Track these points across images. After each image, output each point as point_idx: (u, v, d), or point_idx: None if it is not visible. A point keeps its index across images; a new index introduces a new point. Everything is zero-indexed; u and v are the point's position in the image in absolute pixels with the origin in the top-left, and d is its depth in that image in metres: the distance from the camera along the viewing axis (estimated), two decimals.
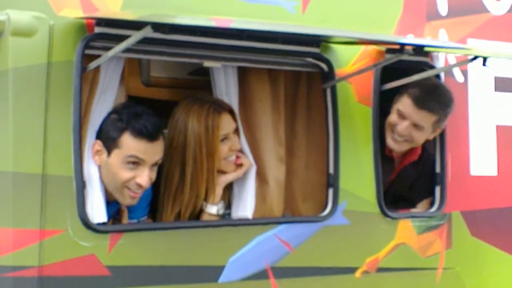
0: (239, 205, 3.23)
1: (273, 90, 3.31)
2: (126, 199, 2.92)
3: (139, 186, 2.88)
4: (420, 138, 3.49)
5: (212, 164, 3.12)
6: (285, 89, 3.35)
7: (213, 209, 3.17)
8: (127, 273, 2.85)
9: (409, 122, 3.44)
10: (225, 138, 3.14)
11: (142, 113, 2.91)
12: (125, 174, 2.86)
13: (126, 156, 2.85)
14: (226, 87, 3.23)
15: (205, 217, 3.18)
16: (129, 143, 2.85)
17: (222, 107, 3.15)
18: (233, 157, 3.18)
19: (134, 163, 2.86)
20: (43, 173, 2.70)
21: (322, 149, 3.37)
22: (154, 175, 2.94)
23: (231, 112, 3.18)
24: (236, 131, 3.20)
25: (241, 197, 3.23)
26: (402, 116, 3.46)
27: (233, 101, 3.24)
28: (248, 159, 3.23)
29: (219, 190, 3.18)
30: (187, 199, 3.13)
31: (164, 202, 3.15)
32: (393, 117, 3.48)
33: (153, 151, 2.89)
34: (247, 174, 3.24)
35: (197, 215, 3.21)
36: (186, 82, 3.63)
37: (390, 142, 3.51)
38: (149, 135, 2.86)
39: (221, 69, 3.18)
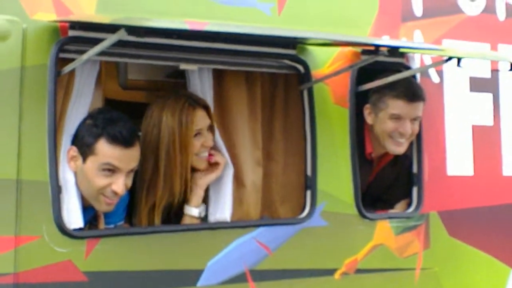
0: (217, 207, 3.21)
1: (250, 92, 3.31)
2: (102, 206, 2.90)
3: (115, 193, 2.86)
4: (417, 129, 3.54)
5: (186, 159, 3.09)
6: (262, 92, 3.35)
7: (195, 211, 3.15)
8: (104, 278, 2.82)
9: (408, 120, 3.48)
10: (198, 134, 3.13)
11: (118, 119, 2.88)
12: (101, 181, 2.84)
13: (102, 164, 2.83)
14: (202, 90, 3.22)
15: (186, 219, 3.16)
16: (105, 150, 2.82)
17: (197, 103, 3.14)
18: (205, 154, 3.16)
19: (109, 170, 2.84)
20: (18, 178, 2.67)
21: (299, 151, 3.37)
22: (130, 182, 2.91)
23: (206, 108, 3.16)
24: (211, 128, 3.18)
25: (219, 199, 3.22)
26: (399, 118, 3.49)
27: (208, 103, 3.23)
28: (224, 157, 3.21)
29: (201, 192, 3.17)
30: (161, 193, 3.10)
31: (138, 196, 3.12)
32: (389, 125, 3.50)
33: (129, 157, 2.86)
34: (223, 176, 3.23)
35: (175, 214, 3.19)
36: (164, 84, 3.61)
37: (393, 148, 3.54)
38: (125, 141, 2.83)
39: (196, 71, 3.17)
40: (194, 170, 3.18)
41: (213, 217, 3.20)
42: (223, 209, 3.19)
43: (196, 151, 3.13)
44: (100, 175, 2.83)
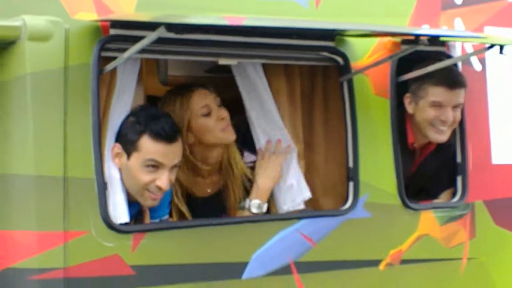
0: (293, 192, 3.23)
1: (289, 85, 3.32)
2: (147, 201, 2.94)
3: (159, 188, 2.90)
4: (459, 117, 3.51)
5: (202, 138, 3.11)
6: (301, 84, 3.36)
7: (254, 203, 3.19)
8: (151, 272, 2.87)
9: (449, 107, 3.46)
10: (209, 112, 3.15)
11: (160, 115, 2.93)
12: (145, 177, 2.88)
13: (146, 160, 2.87)
14: (254, 84, 3.23)
15: (245, 213, 3.20)
16: (148, 146, 2.87)
17: (192, 85, 3.17)
18: (227, 126, 3.17)
19: (153, 166, 2.88)
20: (65, 175, 2.73)
21: (340, 143, 3.36)
22: (174, 177, 2.96)
23: (204, 87, 3.18)
24: (222, 105, 3.19)
25: (293, 184, 3.24)
26: (439, 106, 3.46)
27: (265, 96, 3.23)
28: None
29: (262, 184, 3.20)
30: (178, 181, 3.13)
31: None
32: (429, 112, 3.47)
33: (172, 153, 2.90)
34: (291, 159, 3.25)
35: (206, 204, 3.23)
36: (204, 79, 3.65)
37: (435, 136, 3.51)
38: (168, 137, 2.88)
39: (244, 67, 3.19)
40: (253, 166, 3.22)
41: (290, 205, 3.22)
42: (301, 191, 3.22)
43: (215, 127, 3.14)
44: (144, 171, 2.88)
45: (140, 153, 2.87)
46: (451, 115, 3.47)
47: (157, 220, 3.09)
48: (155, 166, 2.88)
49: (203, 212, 3.23)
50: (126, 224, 2.87)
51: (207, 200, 3.27)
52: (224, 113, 3.19)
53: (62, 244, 2.72)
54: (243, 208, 3.23)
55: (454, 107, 3.48)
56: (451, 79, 3.46)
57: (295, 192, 3.27)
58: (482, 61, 3.68)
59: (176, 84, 3.32)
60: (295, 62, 3.25)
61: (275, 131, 3.27)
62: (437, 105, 3.47)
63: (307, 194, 3.27)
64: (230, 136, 3.20)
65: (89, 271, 2.76)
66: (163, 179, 2.89)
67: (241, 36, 3.02)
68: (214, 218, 3.20)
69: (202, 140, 3.17)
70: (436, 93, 3.46)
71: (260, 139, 3.30)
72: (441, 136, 3.51)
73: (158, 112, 2.96)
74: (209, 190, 3.30)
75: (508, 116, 3.73)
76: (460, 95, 3.48)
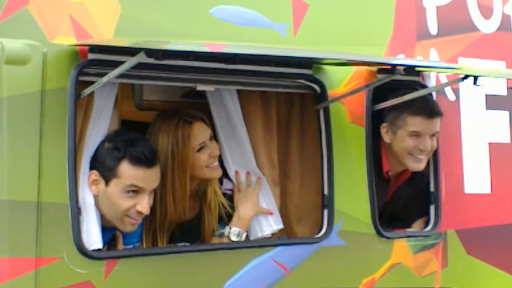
0: (267, 221, 3.24)
1: (265, 112, 3.33)
2: (127, 227, 2.92)
3: (140, 213, 2.88)
4: (436, 145, 3.56)
5: (184, 176, 3.09)
6: (278, 111, 3.37)
7: (234, 231, 3.19)
8: None
9: (428, 136, 3.50)
10: (203, 147, 3.13)
11: (137, 140, 2.91)
12: (126, 203, 2.86)
13: (126, 186, 2.85)
14: (227, 111, 3.23)
15: (224, 241, 3.19)
16: (128, 172, 2.84)
17: (193, 117, 3.14)
18: (216, 163, 3.17)
19: (134, 191, 2.86)
20: (38, 200, 2.69)
21: (316, 171, 3.38)
22: (151, 201, 2.94)
23: (203, 120, 3.17)
24: (213, 138, 3.19)
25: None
26: (418, 135, 3.50)
27: (238, 123, 3.24)
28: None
29: (243, 212, 3.21)
30: (159, 214, 3.09)
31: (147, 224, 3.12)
32: (408, 142, 3.52)
33: (152, 177, 2.89)
34: (262, 190, 3.27)
35: (184, 234, 3.20)
36: (179, 104, 3.63)
37: (413, 164, 3.54)
38: (148, 162, 2.86)
39: (219, 93, 3.19)
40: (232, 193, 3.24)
41: (267, 232, 3.23)
42: (276, 220, 3.23)
43: (206, 163, 3.14)
44: (124, 197, 2.86)
45: (120, 179, 2.85)
46: (429, 144, 3.51)
47: (131, 247, 3.05)
48: (135, 191, 2.86)
49: (181, 238, 3.20)
50: (99, 250, 2.83)
51: (185, 226, 3.25)
52: (216, 150, 3.17)
53: (34, 270, 2.68)
54: (221, 235, 3.22)
55: (432, 135, 3.52)
56: (429, 109, 3.50)
57: (271, 218, 3.27)
58: (456, 92, 3.73)
59: (167, 109, 3.27)
60: (272, 89, 3.27)
61: (246, 162, 3.27)
62: (416, 134, 3.51)
63: (281, 224, 3.28)
64: (217, 173, 3.20)
65: None
66: (144, 204, 2.87)
67: (220, 63, 3.02)
68: (188, 245, 3.17)
69: (186, 170, 3.14)
70: (415, 123, 3.50)
71: (231, 169, 3.30)
72: (419, 164, 3.55)
73: (135, 137, 2.93)
74: (188, 216, 3.28)
75: (481, 146, 3.78)
76: (437, 124, 3.53)
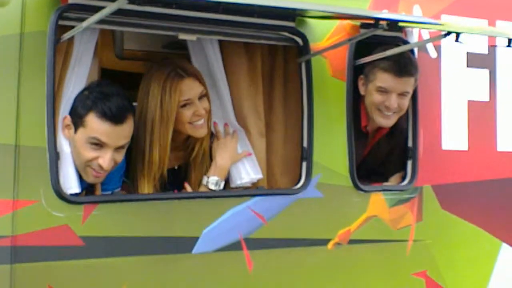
0: (246, 170, 3.25)
1: (250, 64, 3.32)
2: (90, 178, 2.92)
3: (101, 167, 2.87)
4: (406, 104, 3.55)
5: (166, 129, 3.09)
6: (262, 63, 3.37)
7: (212, 180, 3.20)
8: (101, 243, 2.87)
9: (395, 94, 3.49)
10: (188, 104, 3.13)
11: (112, 94, 2.86)
12: (88, 153, 2.85)
13: (89, 137, 2.84)
14: (208, 61, 3.22)
15: (202, 189, 3.20)
16: (93, 124, 2.83)
17: (185, 71, 3.13)
18: (200, 121, 3.17)
19: (97, 144, 2.85)
20: (16, 144, 2.70)
21: (298, 123, 3.39)
22: (120, 157, 2.92)
23: (195, 76, 3.16)
24: (205, 96, 3.19)
25: (244, 163, 3.27)
26: (385, 91, 3.50)
27: (218, 75, 3.23)
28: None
29: (220, 162, 3.22)
30: (147, 163, 3.11)
31: (134, 166, 3.14)
32: (376, 97, 3.51)
33: (118, 134, 2.87)
34: (240, 141, 3.28)
35: (173, 183, 3.22)
36: (160, 55, 3.62)
37: (380, 120, 3.55)
38: (114, 118, 2.83)
39: (200, 43, 3.17)
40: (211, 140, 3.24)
41: (246, 179, 3.25)
42: (255, 170, 3.24)
43: (189, 120, 3.14)
44: (87, 147, 2.85)
45: (86, 129, 2.84)
46: (396, 102, 3.50)
47: (109, 192, 3.07)
48: (99, 144, 2.85)
49: (171, 187, 3.23)
50: (77, 195, 2.85)
51: (175, 174, 3.27)
52: (201, 109, 3.15)
53: (11, 212, 2.70)
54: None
55: (400, 94, 3.51)
56: (400, 67, 3.48)
57: (249, 167, 3.29)
58: (438, 49, 3.74)
59: (163, 59, 3.25)
60: (255, 40, 3.26)
61: (225, 114, 3.28)
62: (383, 90, 3.51)
63: (259, 174, 3.30)
64: (200, 132, 3.19)
65: (37, 240, 2.74)
66: (106, 159, 2.85)
67: (202, 12, 3.00)
68: (166, 192, 3.20)
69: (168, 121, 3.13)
70: (383, 78, 3.49)
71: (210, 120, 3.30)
72: (386, 121, 3.55)
73: (111, 91, 2.88)
74: (175, 164, 3.30)
75: (460, 103, 3.80)
76: (407, 84, 3.51)
